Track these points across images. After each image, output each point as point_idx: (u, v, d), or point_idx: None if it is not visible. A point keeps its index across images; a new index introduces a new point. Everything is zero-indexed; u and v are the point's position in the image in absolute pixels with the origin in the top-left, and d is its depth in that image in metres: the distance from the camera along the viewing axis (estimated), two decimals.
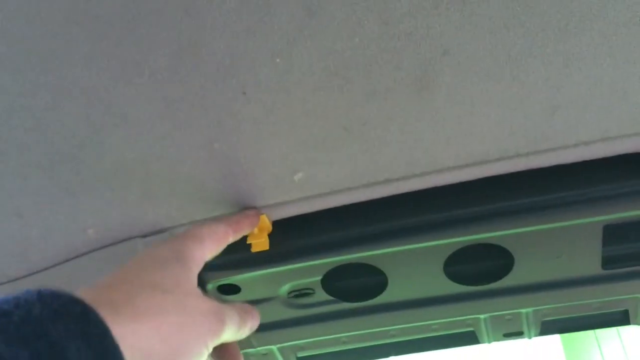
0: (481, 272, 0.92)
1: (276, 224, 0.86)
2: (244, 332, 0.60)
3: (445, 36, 0.60)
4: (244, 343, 1.07)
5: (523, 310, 1.01)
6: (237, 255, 0.89)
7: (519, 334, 1.09)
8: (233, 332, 0.56)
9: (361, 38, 0.60)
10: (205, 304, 0.52)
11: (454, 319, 1.02)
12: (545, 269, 0.90)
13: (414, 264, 0.90)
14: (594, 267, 0.90)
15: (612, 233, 0.87)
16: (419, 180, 0.78)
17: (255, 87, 0.64)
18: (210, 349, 0.52)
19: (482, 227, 0.83)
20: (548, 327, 1.08)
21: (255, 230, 0.80)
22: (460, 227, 0.83)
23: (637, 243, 0.90)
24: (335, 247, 0.88)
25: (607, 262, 0.90)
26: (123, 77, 0.62)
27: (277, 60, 0.62)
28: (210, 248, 0.62)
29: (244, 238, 0.80)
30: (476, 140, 0.72)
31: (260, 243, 0.83)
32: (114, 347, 0.39)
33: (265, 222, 0.83)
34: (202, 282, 0.94)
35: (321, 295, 0.96)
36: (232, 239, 0.69)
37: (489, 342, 1.11)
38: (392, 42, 0.60)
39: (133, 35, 0.58)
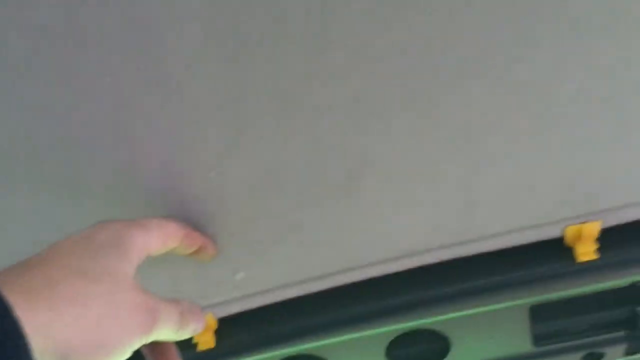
0: (421, 356, 0.96)
1: (221, 321, 0.88)
2: (185, 333, 0.55)
3: (366, 148, 0.66)
4: None
5: None
6: (183, 354, 0.90)
7: None
8: (169, 331, 0.52)
9: (290, 152, 0.65)
10: (138, 298, 0.47)
11: None
12: (481, 350, 0.95)
13: (357, 352, 0.94)
14: (525, 345, 0.95)
15: (539, 312, 0.92)
16: (354, 274, 0.83)
17: (193, 200, 0.68)
18: (136, 347, 0.47)
19: (416, 314, 0.87)
20: None
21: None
22: (397, 315, 0.88)
23: (564, 320, 0.96)
24: (280, 340, 0.91)
25: (538, 339, 0.95)
26: None
27: (211, 174, 0.66)
28: (156, 241, 0.55)
29: (190, 338, 0.82)
30: (403, 236, 0.78)
31: (206, 341, 0.86)
32: (14, 326, 0.34)
33: (210, 320, 0.86)
34: None
35: None
36: (180, 244, 0.62)
37: None
38: (319, 155, 0.66)
39: (69, 163, 0.63)
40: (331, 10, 0.54)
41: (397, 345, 0.94)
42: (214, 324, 0.87)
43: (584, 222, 0.80)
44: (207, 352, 0.86)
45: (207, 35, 0.55)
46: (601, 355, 1.00)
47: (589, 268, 0.84)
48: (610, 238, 0.82)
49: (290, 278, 0.82)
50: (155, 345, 0.59)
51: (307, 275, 0.82)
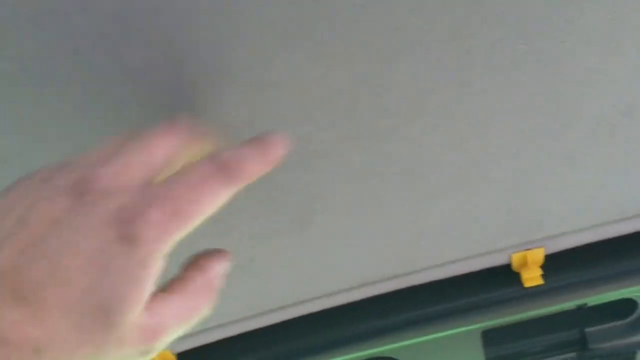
0: None
1: (180, 355, 0.89)
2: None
3: (315, 185, 0.69)
4: None
5: None
6: None
7: None
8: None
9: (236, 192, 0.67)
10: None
11: None
12: None
13: None
14: None
15: (492, 336, 0.95)
16: (309, 305, 0.85)
17: None
18: None
19: (372, 343, 0.90)
20: None
21: None
22: (352, 344, 0.90)
23: (516, 343, 0.99)
24: None
25: None
26: None
27: None
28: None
29: None
30: (356, 267, 0.80)
31: None
32: None
33: (169, 356, 0.87)
34: None
35: None
36: None
37: None
38: (270, 192, 0.68)
39: None
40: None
41: None
42: (172, 359, 0.88)
43: (528, 249, 0.83)
44: None
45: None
46: None
47: (536, 293, 0.87)
48: (554, 264, 0.86)
49: (247, 312, 0.83)
50: None
51: (263, 309, 0.83)
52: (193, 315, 0.40)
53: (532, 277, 0.85)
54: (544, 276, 0.85)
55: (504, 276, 0.86)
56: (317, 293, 0.82)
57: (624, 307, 0.97)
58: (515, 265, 0.85)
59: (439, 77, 0.61)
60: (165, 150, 0.40)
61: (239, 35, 0.55)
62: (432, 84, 0.62)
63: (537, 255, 0.84)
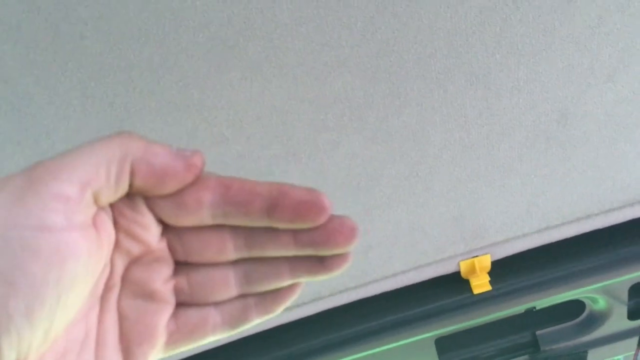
0: None
1: None
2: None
3: None
4: None
5: None
6: None
7: None
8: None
9: None
10: None
11: None
12: None
13: None
14: None
15: (446, 343, 0.96)
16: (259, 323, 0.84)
17: None
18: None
19: (327, 356, 0.90)
20: None
21: None
22: (308, 359, 0.90)
23: (470, 349, 1.01)
24: None
25: None
26: None
27: None
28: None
29: None
30: (306, 282, 0.80)
31: None
32: None
33: None
34: None
35: None
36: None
37: None
38: None
39: None
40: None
41: None
42: None
43: (475, 257, 0.85)
44: None
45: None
46: None
47: (485, 299, 0.88)
48: (502, 269, 0.87)
49: None
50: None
51: None
52: None
53: (481, 283, 0.87)
54: (492, 282, 0.87)
55: (453, 284, 0.88)
56: None
57: (572, 308, 0.99)
58: (464, 272, 0.86)
59: (374, 91, 0.62)
60: None
61: (171, 58, 0.55)
62: (368, 98, 0.63)
63: (484, 261, 0.85)
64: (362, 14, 0.56)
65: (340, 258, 0.33)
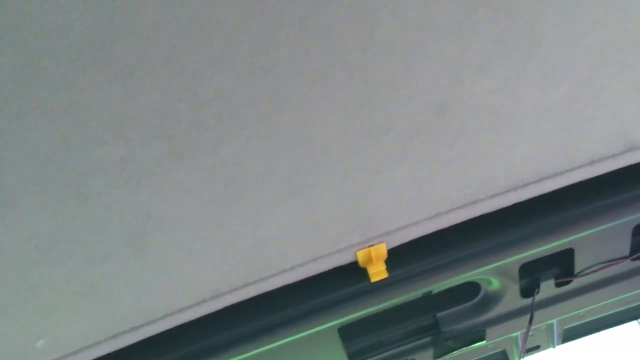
0: None
1: None
2: None
3: (145, 204, 0.68)
4: None
5: None
6: None
7: None
8: None
9: (64, 216, 0.66)
10: None
11: None
12: None
13: None
14: None
15: (349, 331, 0.99)
16: (161, 323, 0.84)
17: None
18: None
19: (233, 352, 0.90)
20: None
21: None
22: (214, 356, 0.90)
23: (374, 335, 1.03)
24: None
25: (353, 357, 1.02)
26: None
27: None
28: None
29: None
30: (202, 280, 0.80)
31: None
32: None
33: None
34: None
35: None
36: None
37: None
38: (95, 216, 0.67)
39: None
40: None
41: None
42: None
43: (371, 246, 0.87)
44: None
45: None
46: None
47: (383, 286, 0.91)
48: (398, 257, 0.90)
49: (94, 338, 0.81)
50: None
51: (111, 333, 0.81)
52: None
53: (378, 271, 0.89)
54: (389, 269, 0.89)
55: (351, 273, 0.89)
56: (168, 310, 0.82)
57: (468, 290, 1.03)
58: (361, 261, 0.88)
59: (252, 89, 0.62)
60: None
61: (35, 62, 0.54)
62: (247, 96, 0.63)
63: (380, 250, 0.87)
64: (232, 13, 0.56)
65: None
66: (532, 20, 0.67)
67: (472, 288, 1.03)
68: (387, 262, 0.90)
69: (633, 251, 1.01)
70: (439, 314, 1.05)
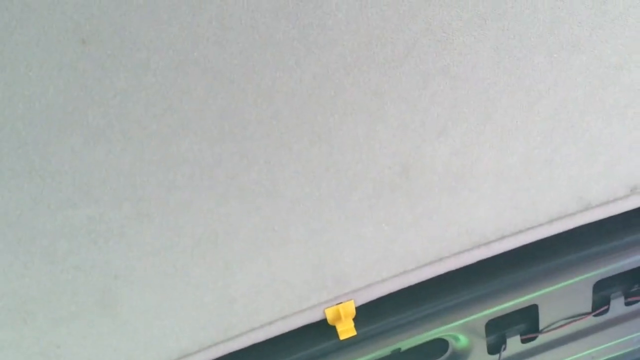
0: None
1: None
2: None
3: (113, 264, 0.69)
4: None
5: None
6: None
7: None
8: None
9: (30, 277, 0.66)
10: None
11: None
12: None
13: None
14: None
15: None
16: None
17: None
18: None
19: None
20: None
21: None
22: None
23: None
24: None
25: None
26: None
27: None
28: None
29: None
30: (170, 340, 0.80)
31: None
32: None
33: None
34: None
35: None
36: None
37: None
38: (62, 275, 0.67)
39: None
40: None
41: None
42: None
43: (340, 303, 0.88)
44: None
45: None
46: None
47: (352, 343, 0.92)
48: (366, 314, 0.91)
49: None
50: None
51: None
52: None
53: (347, 329, 0.90)
54: (357, 327, 0.90)
55: (320, 331, 0.90)
56: None
57: (437, 347, 1.04)
58: (329, 319, 0.89)
59: (221, 151, 0.65)
60: None
61: (7, 125, 0.55)
62: (216, 157, 0.65)
63: (349, 307, 0.89)
64: (201, 80, 0.59)
65: None
66: (488, 87, 0.71)
67: (440, 345, 1.04)
68: (355, 319, 0.91)
69: (595, 307, 1.03)
70: None
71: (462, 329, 0.99)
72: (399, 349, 0.98)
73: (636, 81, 0.78)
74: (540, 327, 1.03)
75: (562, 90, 0.75)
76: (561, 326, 1.04)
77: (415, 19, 0.63)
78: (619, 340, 1.13)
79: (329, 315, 0.89)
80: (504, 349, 1.05)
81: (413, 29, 0.64)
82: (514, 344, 1.06)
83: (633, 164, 0.88)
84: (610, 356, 1.17)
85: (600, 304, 1.04)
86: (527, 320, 1.03)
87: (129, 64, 0.55)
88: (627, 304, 1.05)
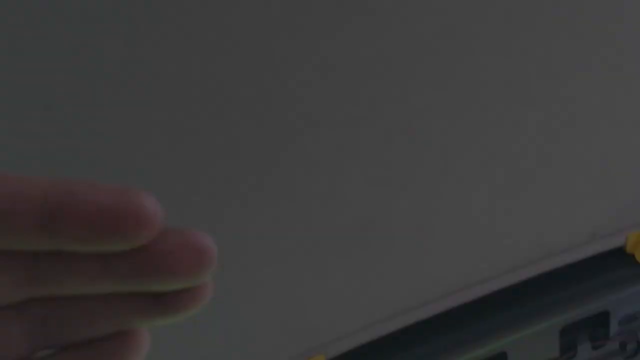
0: None
1: None
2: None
3: None
4: None
5: None
6: None
7: None
8: None
9: None
10: None
11: None
12: None
13: None
14: None
15: None
16: None
17: None
18: None
19: None
20: None
21: None
22: None
23: None
24: None
25: None
26: None
27: None
28: None
29: None
30: None
31: None
32: None
33: None
34: None
35: None
36: None
37: None
38: None
39: None
40: None
41: None
42: None
43: (309, 358, 0.88)
44: None
45: None
46: None
47: None
48: None
49: None
50: None
51: None
52: None
53: None
54: None
55: None
56: None
57: None
58: None
59: (190, 222, 0.66)
60: None
61: None
62: (188, 224, 0.66)
63: None
64: (166, 145, 0.60)
65: (189, 293, 0.23)
66: (447, 143, 0.74)
67: None
68: None
69: (562, 352, 1.04)
70: None
71: None
72: None
73: (592, 132, 0.82)
74: None
75: (517, 144, 0.78)
76: None
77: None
78: None
79: None
80: None
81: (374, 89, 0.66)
82: None
83: (592, 211, 0.91)
84: None
85: (567, 348, 1.05)
86: None
87: None
88: (594, 347, 1.07)
